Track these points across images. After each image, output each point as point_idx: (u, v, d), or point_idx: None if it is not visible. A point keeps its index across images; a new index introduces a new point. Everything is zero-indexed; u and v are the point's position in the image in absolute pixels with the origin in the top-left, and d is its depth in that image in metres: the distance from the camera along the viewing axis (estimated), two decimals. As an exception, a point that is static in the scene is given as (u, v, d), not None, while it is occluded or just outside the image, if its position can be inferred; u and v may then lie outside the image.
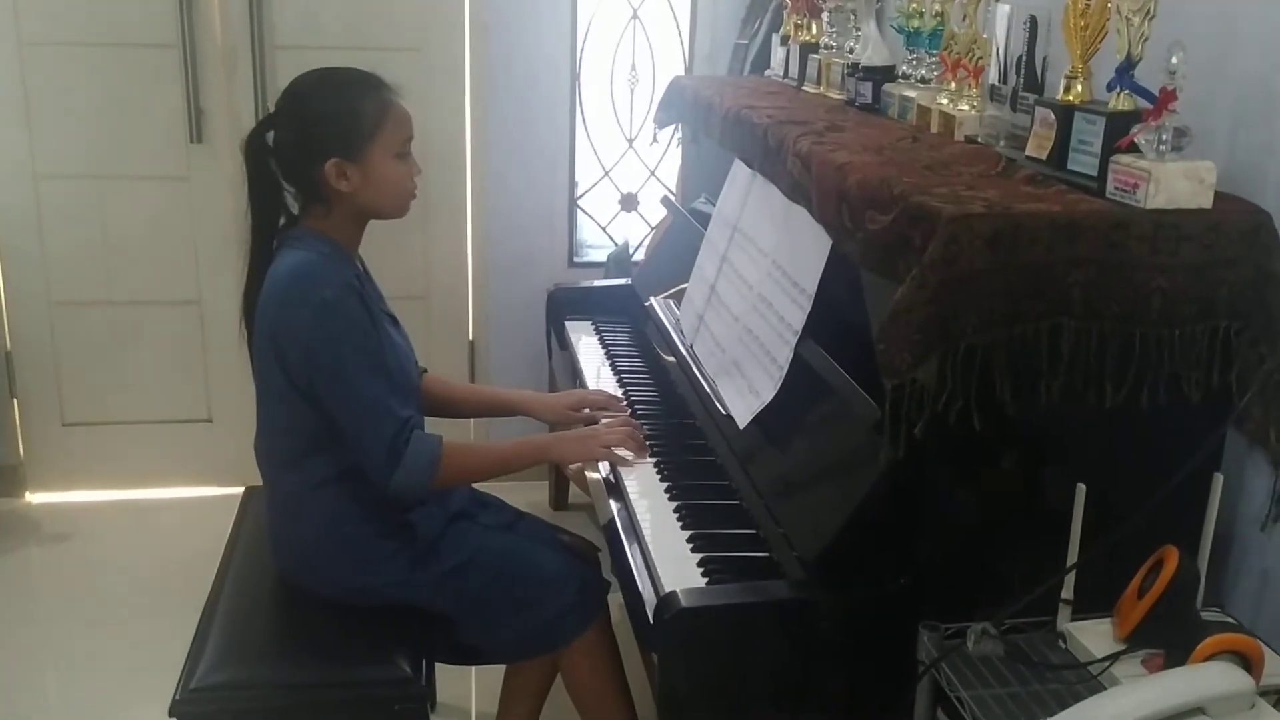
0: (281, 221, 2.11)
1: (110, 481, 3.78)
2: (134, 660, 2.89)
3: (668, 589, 1.70)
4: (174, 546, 3.43)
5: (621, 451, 2.17)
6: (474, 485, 2.31)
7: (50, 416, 3.71)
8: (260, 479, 2.18)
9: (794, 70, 2.90)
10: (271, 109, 2.11)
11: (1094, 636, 1.49)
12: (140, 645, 2.94)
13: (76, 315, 3.64)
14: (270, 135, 2.06)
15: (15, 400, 3.68)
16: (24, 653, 2.97)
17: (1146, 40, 1.60)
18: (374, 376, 1.98)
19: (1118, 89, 1.63)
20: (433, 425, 2.19)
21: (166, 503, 3.77)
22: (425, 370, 2.33)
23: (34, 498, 3.76)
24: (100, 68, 3.45)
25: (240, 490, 2.61)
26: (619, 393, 2.54)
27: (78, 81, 3.45)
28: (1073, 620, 1.53)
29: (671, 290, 2.78)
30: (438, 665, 2.30)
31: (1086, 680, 1.43)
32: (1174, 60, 1.54)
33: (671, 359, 2.57)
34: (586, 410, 2.41)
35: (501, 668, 2.36)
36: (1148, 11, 1.59)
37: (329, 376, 1.97)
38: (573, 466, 3.24)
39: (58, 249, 3.57)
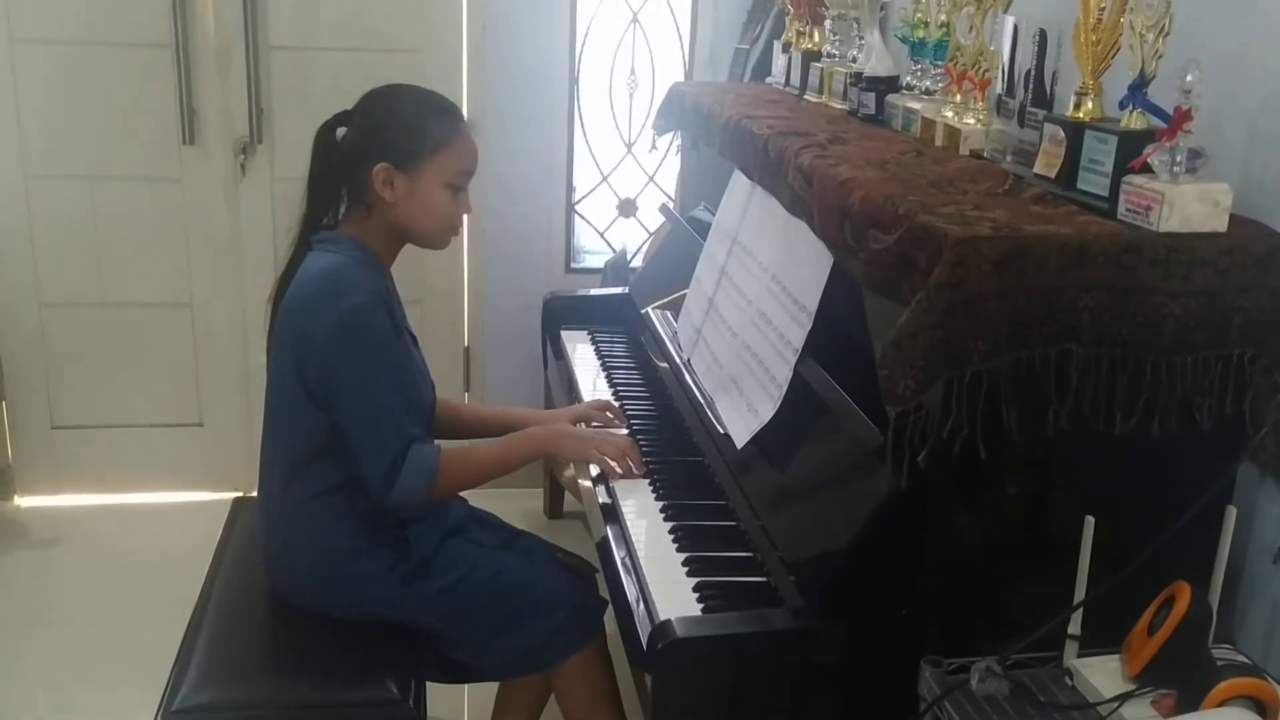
0: (325, 219, 2.09)
1: (99, 485, 3.74)
2: (121, 668, 2.85)
3: (663, 616, 1.65)
4: (163, 552, 3.38)
5: (615, 464, 2.12)
6: (470, 503, 2.27)
7: (39, 419, 3.66)
8: (256, 486, 2.14)
9: (795, 78, 2.85)
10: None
11: (1102, 674, 1.45)
12: (128, 652, 2.90)
13: (66, 317, 3.59)
14: (339, 131, 2.05)
15: (4, 402, 3.64)
16: (8, 659, 2.92)
17: (1161, 57, 1.56)
18: (391, 390, 1.96)
19: (1130, 107, 1.58)
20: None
21: (156, 507, 3.72)
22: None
23: (22, 501, 3.72)
24: (92, 67, 3.40)
25: (230, 496, 2.58)
26: (614, 405, 2.49)
27: (69, 81, 3.40)
28: (1080, 656, 1.48)
29: (668, 299, 2.74)
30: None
31: (1094, 722, 1.39)
32: (1189, 78, 1.49)
33: (667, 368, 2.53)
34: (583, 426, 2.36)
35: (494, 684, 2.32)
36: (1162, 28, 1.54)
37: (345, 383, 1.94)
38: (567, 474, 3.20)
39: (48, 250, 3.52)
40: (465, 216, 2.12)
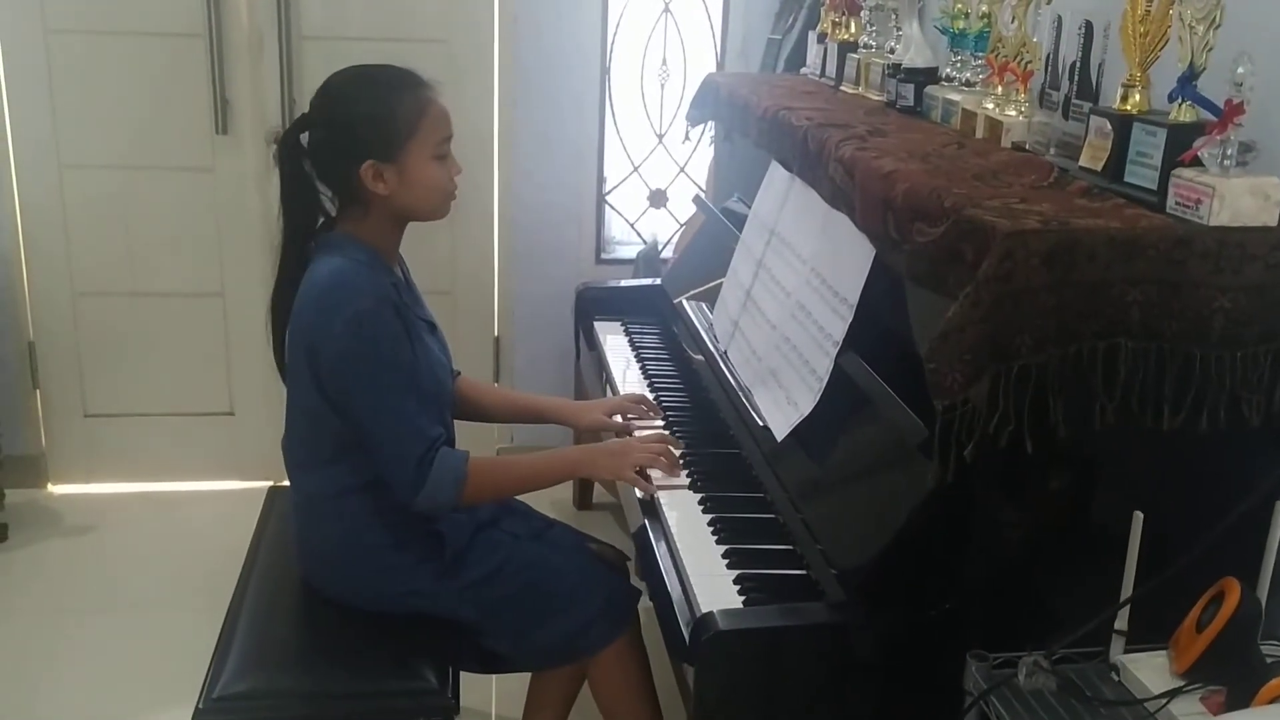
0: (320, 222, 2.07)
1: (132, 473, 3.76)
2: (155, 655, 2.87)
3: (704, 609, 1.66)
4: (196, 540, 3.41)
5: (654, 473, 2.11)
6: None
7: (72, 407, 3.69)
8: (287, 479, 2.15)
9: (831, 69, 2.83)
10: (306, 107, 2.06)
11: (1149, 670, 1.44)
12: (161, 640, 2.92)
13: (100, 306, 3.61)
14: (305, 136, 2.02)
15: (38, 391, 3.66)
16: (43, 645, 2.95)
17: (1211, 50, 1.54)
18: (404, 393, 1.94)
19: (1179, 100, 1.57)
20: (460, 427, 2.17)
21: (188, 496, 3.74)
22: (459, 373, 2.29)
23: (56, 489, 3.74)
24: (126, 57, 3.41)
25: (261, 484, 2.58)
26: (649, 396, 2.48)
27: (103, 71, 3.42)
28: (1126, 652, 1.48)
29: (702, 290, 2.73)
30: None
31: (1143, 718, 1.38)
32: (1240, 71, 1.48)
33: (702, 359, 2.52)
34: (618, 418, 2.36)
35: (527, 674, 2.33)
36: (1213, 20, 1.53)
37: (359, 390, 1.93)
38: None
39: (81, 239, 3.54)
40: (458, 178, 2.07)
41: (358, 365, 1.92)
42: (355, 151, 1.95)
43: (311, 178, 2.02)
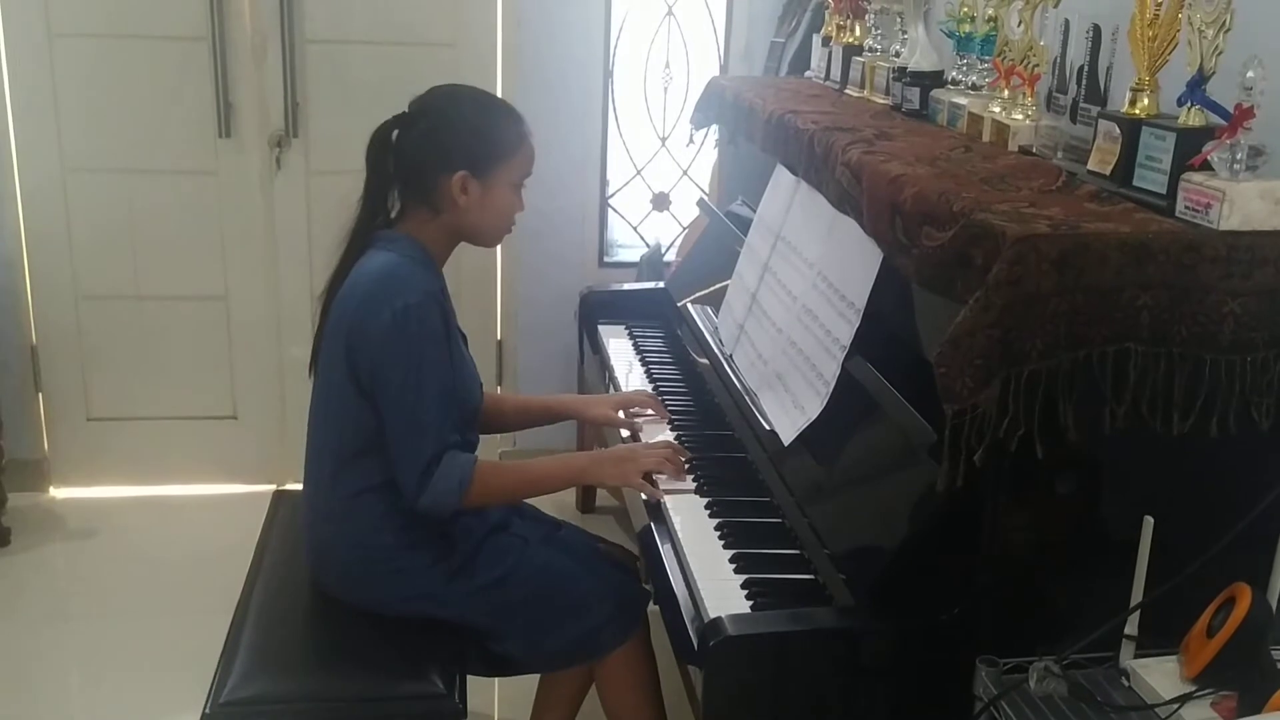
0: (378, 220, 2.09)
1: (135, 477, 3.76)
2: (159, 660, 2.87)
3: (712, 614, 1.65)
4: (198, 543, 3.40)
5: (660, 478, 2.10)
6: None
7: (75, 411, 3.68)
8: (290, 479, 2.14)
9: (836, 72, 2.83)
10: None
11: (1160, 675, 1.44)
12: (165, 644, 2.92)
13: (103, 309, 3.61)
14: (395, 134, 2.04)
15: (40, 394, 3.66)
16: (46, 650, 2.94)
17: (1220, 54, 1.54)
18: (435, 394, 1.96)
19: (1188, 104, 1.57)
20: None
21: (191, 499, 3.74)
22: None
23: (58, 493, 3.74)
24: (129, 60, 3.42)
25: (264, 488, 2.57)
26: (654, 400, 2.49)
27: (106, 74, 3.42)
28: (1137, 657, 1.47)
29: (706, 293, 2.73)
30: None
31: (1154, 723, 1.38)
32: (1250, 75, 1.48)
33: (707, 363, 2.52)
34: (623, 414, 2.37)
35: (533, 676, 2.33)
36: (1222, 24, 1.53)
37: (393, 381, 1.95)
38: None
39: (85, 242, 3.54)
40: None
41: (398, 357, 1.94)
42: (451, 159, 1.99)
43: (388, 175, 2.05)
